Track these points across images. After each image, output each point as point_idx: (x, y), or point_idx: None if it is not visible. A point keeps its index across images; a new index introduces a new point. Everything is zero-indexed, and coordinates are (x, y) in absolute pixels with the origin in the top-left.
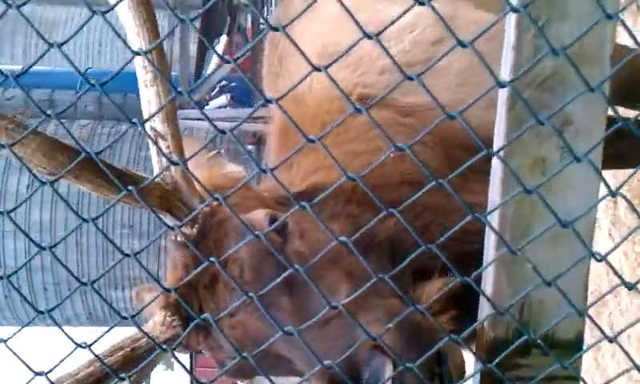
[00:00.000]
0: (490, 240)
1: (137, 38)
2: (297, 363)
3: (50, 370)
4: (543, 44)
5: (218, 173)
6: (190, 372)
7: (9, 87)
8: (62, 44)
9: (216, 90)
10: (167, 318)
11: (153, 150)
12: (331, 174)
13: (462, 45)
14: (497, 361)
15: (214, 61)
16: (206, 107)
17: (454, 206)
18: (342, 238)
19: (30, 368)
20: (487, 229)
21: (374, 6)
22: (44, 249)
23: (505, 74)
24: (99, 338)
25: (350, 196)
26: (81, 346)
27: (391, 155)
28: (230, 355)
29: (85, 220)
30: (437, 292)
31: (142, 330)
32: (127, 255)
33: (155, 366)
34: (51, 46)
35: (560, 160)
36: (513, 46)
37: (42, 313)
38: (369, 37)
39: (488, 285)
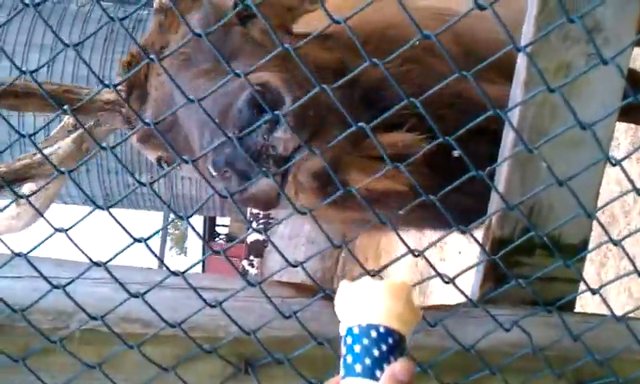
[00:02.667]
0: (508, 138)
1: None
2: (189, 135)
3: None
4: None
5: None
6: (204, 238)
7: None
8: None
9: None
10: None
11: None
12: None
13: None
14: (500, 254)
15: None
16: None
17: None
18: None
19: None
20: (506, 127)
21: None
22: (62, 172)
23: None
24: None
25: (345, 40)
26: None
27: (417, 43)
28: (148, 118)
29: (103, 148)
30: (397, 143)
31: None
32: (143, 184)
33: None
34: None
35: (585, 67)
36: None
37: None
38: None
39: (500, 182)
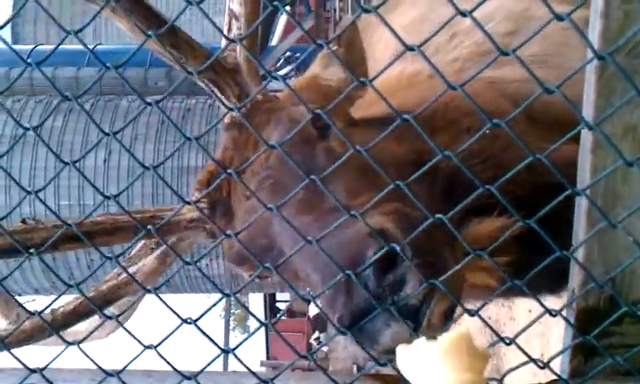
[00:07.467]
0: (581, 209)
1: None
2: (293, 261)
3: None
4: (633, 9)
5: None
6: (265, 325)
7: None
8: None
9: (281, 61)
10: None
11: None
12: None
13: (559, 18)
14: (594, 334)
15: (279, 32)
16: None
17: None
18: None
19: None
20: (578, 200)
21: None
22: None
23: (593, 42)
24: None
25: (426, 122)
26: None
27: (487, 132)
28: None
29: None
30: (492, 232)
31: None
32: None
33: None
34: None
35: None
36: (601, 13)
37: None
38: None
39: (579, 254)
